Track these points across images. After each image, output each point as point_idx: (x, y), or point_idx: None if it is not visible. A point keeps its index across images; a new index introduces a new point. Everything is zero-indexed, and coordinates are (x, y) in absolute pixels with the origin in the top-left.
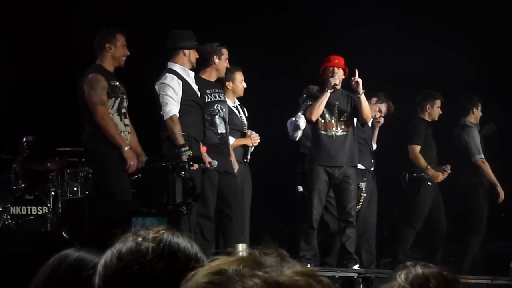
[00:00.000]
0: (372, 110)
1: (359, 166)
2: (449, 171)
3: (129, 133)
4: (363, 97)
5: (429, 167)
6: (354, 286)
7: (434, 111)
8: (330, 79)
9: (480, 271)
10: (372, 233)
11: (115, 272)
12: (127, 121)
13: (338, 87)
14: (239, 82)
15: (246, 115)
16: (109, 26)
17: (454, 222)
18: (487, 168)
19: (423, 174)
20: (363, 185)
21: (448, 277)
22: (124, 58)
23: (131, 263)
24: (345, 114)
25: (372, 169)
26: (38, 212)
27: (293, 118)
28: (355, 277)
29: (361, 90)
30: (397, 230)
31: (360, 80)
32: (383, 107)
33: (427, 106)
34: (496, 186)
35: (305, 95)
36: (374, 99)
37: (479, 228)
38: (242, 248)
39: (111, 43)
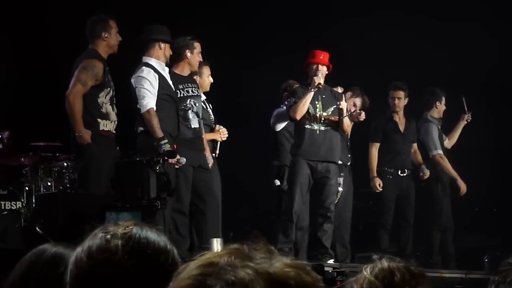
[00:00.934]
0: (348, 104)
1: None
2: (426, 174)
3: (116, 122)
4: (345, 119)
5: (375, 176)
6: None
7: (391, 101)
8: (314, 78)
9: (454, 265)
10: (347, 227)
11: (85, 271)
12: (116, 110)
13: (322, 86)
14: (206, 77)
15: (212, 109)
16: (99, 13)
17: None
18: (445, 163)
19: (385, 168)
20: (341, 180)
21: (414, 271)
22: (118, 44)
23: (101, 261)
24: (330, 109)
25: (348, 164)
26: (12, 207)
27: (285, 108)
28: (330, 271)
29: (344, 113)
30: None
31: (344, 106)
32: (358, 101)
33: (388, 98)
34: (456, 180)
35: (285, 90)
36: (349, 94)
37: (439, 222)
38: (217, 243)
39: (106, 31)
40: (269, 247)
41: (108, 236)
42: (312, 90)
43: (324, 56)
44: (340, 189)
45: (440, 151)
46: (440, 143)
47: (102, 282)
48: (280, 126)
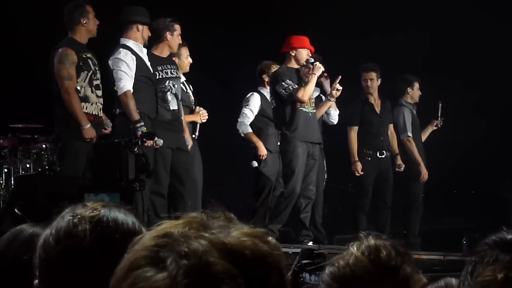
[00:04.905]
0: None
1: None
2: (401, 168)
3: (101, 104)
4: (332, 103)
5: (356, 160)
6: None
7: (364, 84)
8: (317, 63)
9: (433, 247)
10: (319, 210)
11: (53, 256)
12: (99, 92)
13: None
14: (185, 58)
15: (192, 90)
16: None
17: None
18: (412, 146)
19: (364, 150)
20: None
21: (400, 249)
22: (96, 28)
23: (69, 247)
24: (315, 92)
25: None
26: None
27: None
28: (309, 248)
29: (335, 96)
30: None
31: (340, 89)
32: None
33: (361, 81)
34: (419, 165)
35: (262, 71)
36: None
37: (415, 205)
38: None
39: (85, 16)
40: (228, 214)
41: (76, 220)
42: (316, 75)
43: (309, 41)
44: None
45: (410, 134)
46: (413, 127)
47: (70, 267)
48: (247, 130)
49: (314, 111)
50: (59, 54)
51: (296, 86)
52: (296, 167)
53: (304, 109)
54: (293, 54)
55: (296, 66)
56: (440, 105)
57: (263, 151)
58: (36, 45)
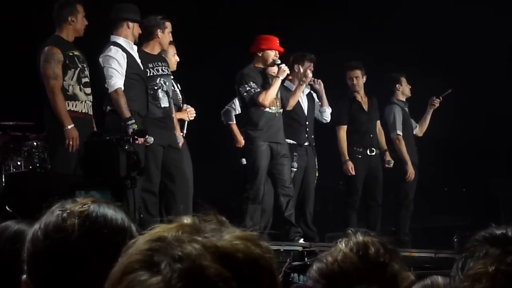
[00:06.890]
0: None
1: (289, 141)
2: (391, 164)
3: (91, 102)
4: (302, 88)
5: (347, 159)
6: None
7: (349, 82)
8: (282, 67)
9: (424, 244)
10: (311, 208)
11: (41, 250)
12: (88, 90)
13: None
14: (172, 56)
15: (180, 89)
16: None
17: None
18: (401, 145)
19: (354, 147)
20: (294, 163)
21: (388, 246)
22: (84, 28)
23: (57, 241)
24: (278, 91)
25: (306, 144)
26: None
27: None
28: (300, 250)
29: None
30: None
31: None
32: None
33: (346, 80)
34: (406, 164)
35: (241, 77)
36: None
37: (405, 202)
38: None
39: (73, 15)
40: (220, 218)
41: (65, 215)
42: (280, 78)
43: (278, 41)
44: (294, 169)
45: (399, 132)
46: (404, 125)
47: (58, 261)
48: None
49: (281, 111)
50: (45, 53)
51: (258, 90)
52: (259, 167)
53: (268, 110)
54: (260, 54)
55: (263, 67)
56: (450, 91)
57: (240, 143)
58: (27, 43)
